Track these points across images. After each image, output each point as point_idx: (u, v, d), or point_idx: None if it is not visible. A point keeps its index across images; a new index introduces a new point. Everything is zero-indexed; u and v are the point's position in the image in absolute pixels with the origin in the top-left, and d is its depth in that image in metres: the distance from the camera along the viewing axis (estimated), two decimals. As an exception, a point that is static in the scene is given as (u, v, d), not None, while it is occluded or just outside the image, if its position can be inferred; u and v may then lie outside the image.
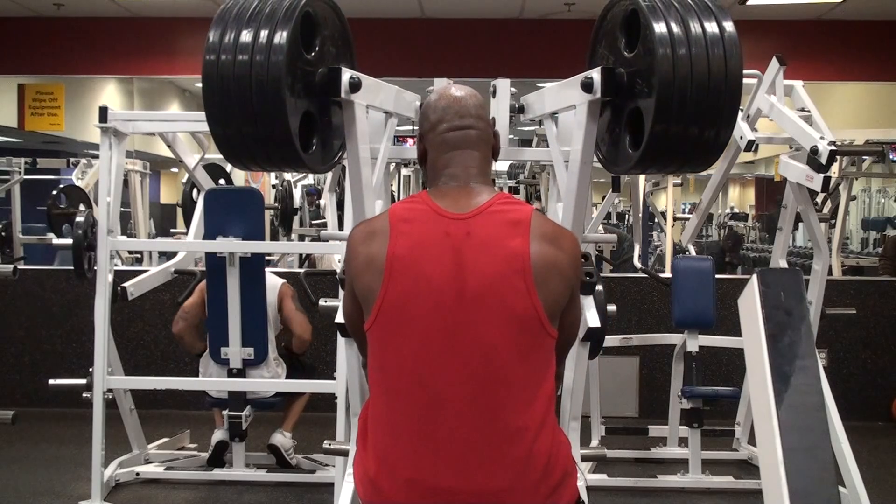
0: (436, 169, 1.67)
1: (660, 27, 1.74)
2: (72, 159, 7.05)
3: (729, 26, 1.77)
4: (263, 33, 1.77)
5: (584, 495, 1.96)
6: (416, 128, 2.41)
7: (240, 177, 7.50)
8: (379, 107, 2.25)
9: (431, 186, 1.68)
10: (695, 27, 1.75)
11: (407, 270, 1.52)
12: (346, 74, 1.89)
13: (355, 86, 1.91)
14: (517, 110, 2.54)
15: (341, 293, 2.11)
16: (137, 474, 4.08)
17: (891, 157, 6.63)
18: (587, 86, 1.87)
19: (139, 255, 6.87)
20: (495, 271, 1.51)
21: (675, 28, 1.74)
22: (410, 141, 7.77)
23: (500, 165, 7.52)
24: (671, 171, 2.02)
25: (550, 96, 2.32)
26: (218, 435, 4.08)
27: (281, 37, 1.76)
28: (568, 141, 2.19)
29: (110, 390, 3.73)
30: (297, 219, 6.70)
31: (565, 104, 2.16)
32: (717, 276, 4.25)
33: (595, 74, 1.85)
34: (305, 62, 1.88)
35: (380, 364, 1.56)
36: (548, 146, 2.51)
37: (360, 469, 1.59)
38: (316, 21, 1.93)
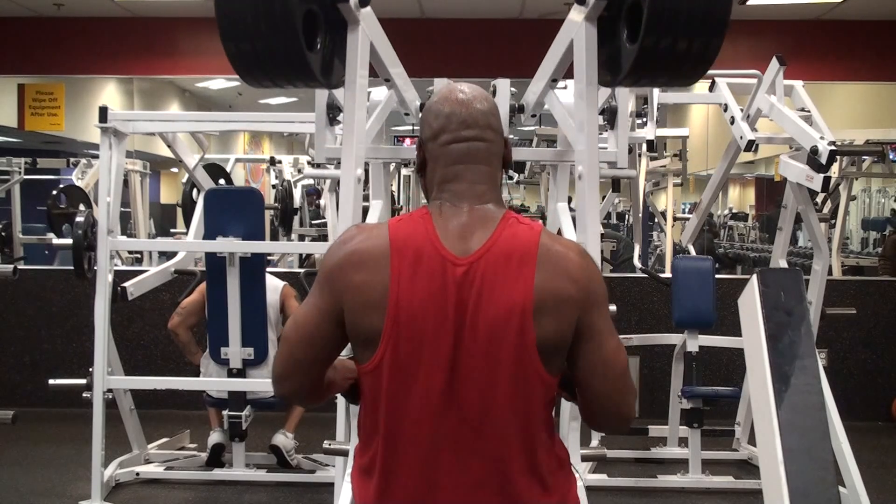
0: (437, 182, 1.51)
1: None
2: (72, 159, 7.04)
3: None
4: None
5: (583, 497, 1.96)
6: (416, 127, 2.42)
7: (240, 177, 7.51)
8: (382, 59, 2.26)
9: (432, 201, 1.51)
10: None
11: (409, 327, 1.42)
12: None
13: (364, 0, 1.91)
14: (517, 110, 2.55)
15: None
16: (137, 474, 4.08)
17: (891, 157, 6.63)
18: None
19: (139, 255, 6.87)
20: (495, 324, 1.41)
21: None
22: (408, 141, 7.77)
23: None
24: (663, 83, 2.05)
25: (546, 59, 2.34)
26: (214, 438, 4.09)
27: None
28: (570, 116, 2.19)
29: (110, 390, 3.73)
30: (297, 219, 6.70)
31: (563, 45, 2.17)
32: (717, 276, 4.25)
33: None
34: None
35: (377, 410, 1.49)
36: (549, 146, 2.52)
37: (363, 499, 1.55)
38: None
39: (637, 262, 5.38)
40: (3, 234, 6.60)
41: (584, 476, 3.40)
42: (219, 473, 4.07)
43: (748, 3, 5.80)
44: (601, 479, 4.02)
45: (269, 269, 4.16)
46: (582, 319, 1.44)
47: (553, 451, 1.52)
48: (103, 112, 3.73)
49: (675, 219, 6.23)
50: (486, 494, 1.45)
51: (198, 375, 4.10)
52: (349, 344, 1.51)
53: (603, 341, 1.46)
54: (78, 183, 6.62)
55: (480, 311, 1.41)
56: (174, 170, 11.71)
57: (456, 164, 1.49)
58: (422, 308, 1.41)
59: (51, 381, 4.01)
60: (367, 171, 2.71)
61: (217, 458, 4.09)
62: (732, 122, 3.86)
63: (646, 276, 5.06)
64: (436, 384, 1.42)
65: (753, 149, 3.73)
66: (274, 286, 4.08)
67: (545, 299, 1.41)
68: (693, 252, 4.94)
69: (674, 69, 1.88)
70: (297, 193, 6.86)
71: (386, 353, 1.42)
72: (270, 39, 1.84)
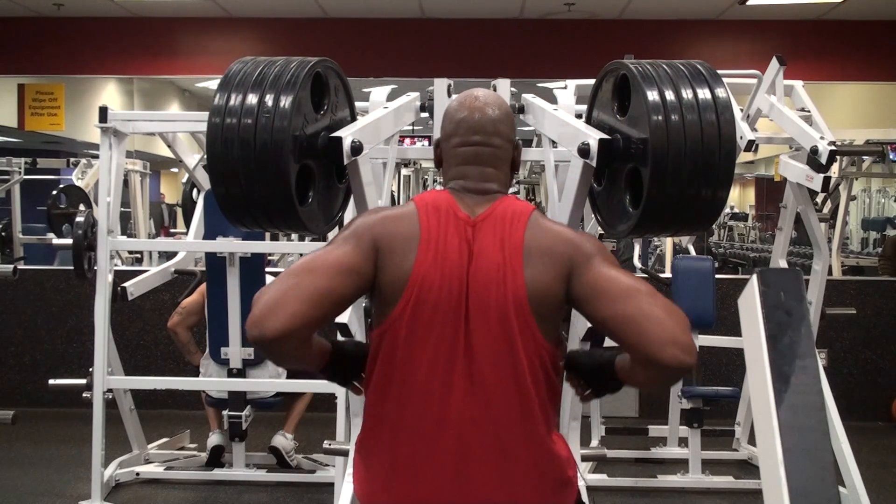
0: (449, 178, 1.65)
1: (652, 94, 1.77)
2: (72, 159, 7.05)
3: (721, 92, 1.80)
4: (269, 97, 1.79)
5: (584, 495, 1.96)
6: (415, 128, 2.43)
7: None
8: (379, 146, 2.27)
9: (447, 188, 1.66)
10: (686, 94, 1.78)
11: (432, 279, 1.51)
12: (348, 140, 1.85)
13: (357, 149, 1.87)
14: (517, 110, 2.55)
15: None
16: (137, 474, 4.08)
17: (891, 157, 6.63)
18: (584, 151, 1.87)
19: (139, 255, 6.87)
20: (489, 275, 1.51)
21: (669, 95, 1.77)
22: (408, 141, 7.77)
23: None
24: (672, 234, 2.03)
25: (552, 124, 2.31)
26: (213, 439, 4.09)
27: (286, 102, 1.78)
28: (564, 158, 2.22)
29: (110, 390, 3.73)
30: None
31: (564, 146, 2.17)
32: (717, 276, 4.25)
33: (592, 142, 1.85)
34: (312, 120, 1.89)
35: (390, 374, 1.54)
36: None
37: (362, 487, 1.59)
38: (325, 80, 1.96)
39: (637, 262, 5.38)
40: (3, 234, 6.61)
41: (585, 476, 3.40)
42: (219, 473, 4.07)
43: (748, 3, 5.80)
44: (601, 479, 4.02)
45: (268, 269, 4.16)
46: (580, 273, 1.50)
47: (554, 440, 1.57)
48: (103, 112, 3.72)
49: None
50: (489, 458, 1.50)
51: (197, 375, 4.10)
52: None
53: (612, 277, 1.49)
54: (78, 183, 6.62)
55: (480, 265, 1.52)
56: (174, 170, 11.72)
57: (463, 165, 1.62)
58: (440, 270, 1.51)
59: (51, 381, 4.01)
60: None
61: (217, 459, 4.09)
62: (732, 122, 3.85)
63: (646, 276, 5.05)
64: (443, 347, 1.50)
65: (753, 149, 3.72)
66: (274, 287, 4.08)
67: (531, 248, 1.51)
68: (693, 252, 4.94)
69: (679, 226, 1.89)
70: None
71: (409, 301, 1.50)
72: (263, 197, 1.80)
